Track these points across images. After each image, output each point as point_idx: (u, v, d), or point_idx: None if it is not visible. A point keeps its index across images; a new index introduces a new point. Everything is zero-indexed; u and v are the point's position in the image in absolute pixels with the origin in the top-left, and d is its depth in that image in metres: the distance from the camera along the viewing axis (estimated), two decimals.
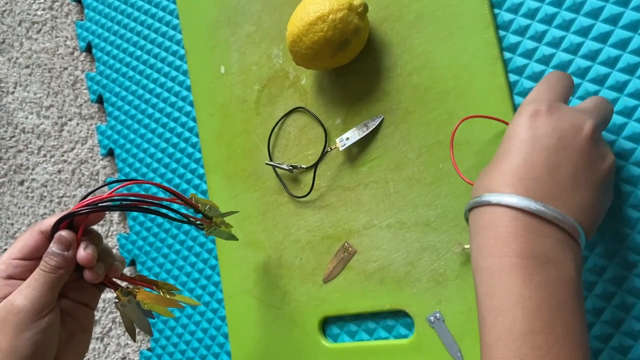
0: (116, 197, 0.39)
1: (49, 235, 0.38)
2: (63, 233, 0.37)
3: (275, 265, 0.54)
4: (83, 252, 0.37)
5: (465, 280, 0.44)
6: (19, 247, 0.37)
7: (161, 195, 0.50)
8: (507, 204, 0.31)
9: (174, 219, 0.42)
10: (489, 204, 0.32)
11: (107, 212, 0.40)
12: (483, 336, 0.31)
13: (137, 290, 0.42)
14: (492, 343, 0.30)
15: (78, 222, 0.39)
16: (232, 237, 0.49)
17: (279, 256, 0.53)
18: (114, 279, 0.41)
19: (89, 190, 0.70)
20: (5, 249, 0.78)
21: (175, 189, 0.44)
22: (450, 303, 0.45)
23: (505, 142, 0.34)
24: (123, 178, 0.55)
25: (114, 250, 0.65)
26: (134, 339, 0.44)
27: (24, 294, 0.35)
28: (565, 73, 0.37)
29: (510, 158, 0.32)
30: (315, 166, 0.51)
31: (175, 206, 0.42)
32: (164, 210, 0.41)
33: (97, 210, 0.37)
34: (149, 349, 0.64)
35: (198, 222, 0.45)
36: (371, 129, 0.48)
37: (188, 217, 0.44)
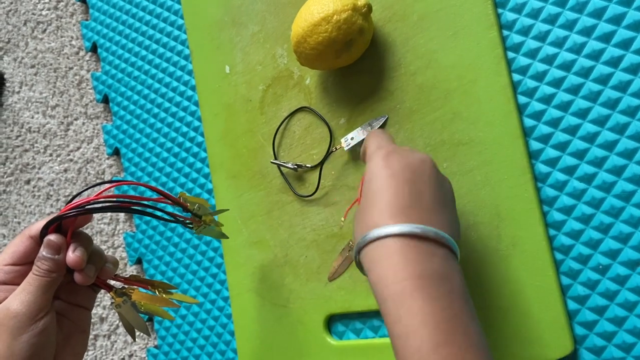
0: (102, 199, 0.38)
1: (38, 240, 0.38)
2: (52, 237, 0.37)
3: (281, 263, 0.54)
4: (72, 255, 0.37)
5: (468, 279, 0.44)
6: (10, 253, 0.38)
7: (149, 194, 0.50)
8: (394, 234, 0.33)
9: (162, 219, 0.42)
10: (377, 238, 0.33)
11: (94, 214, 0.40)
12: None
13: (132, 291, 0.42)
14: None
15: (66, 225, 0.38)
16: (222, 236, 0.49)
17: (284, 255, 0.54)
18: (107, 281, 0.41)
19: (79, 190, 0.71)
20: None
21: (162, 189, 0.44)
22: None
23: (369, 185, 0.36)
24: (119, 179, 0.54)
25: (120, 250, 0.66)
26: (133, 339, 0.44)
27: (19, 298, 0.35)
28: (383, 130, 0.44)
29: (381, 195, 0.35)
30: (320, 165, 0.51)
31: (168, 208, 0.42)
32: (151, 210, 0.41)
33: (83, 212, 0.37)
34: (156, 347, 0.65)
35: (187, 222, 0.45)
36: (375, 128, 0.48)
37: (176, 216, 0.43)
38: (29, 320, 0.34)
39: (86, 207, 0.37)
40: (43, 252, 0.37)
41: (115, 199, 0.39)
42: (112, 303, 0.42)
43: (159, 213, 0.41)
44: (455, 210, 0.38)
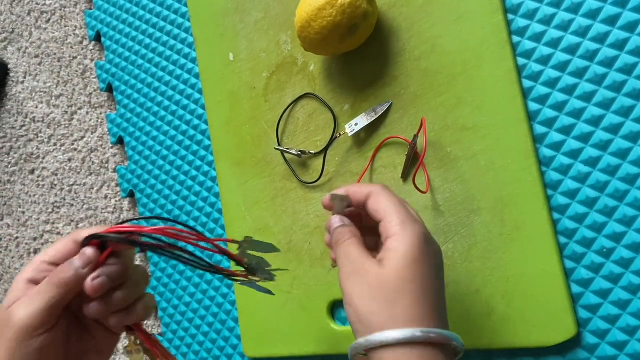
0: (154, 233, 0.34)
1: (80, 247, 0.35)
2: (88, 250, 0.34)
3: (285, 250, 0.54)
4: (90, 282, 0.33)
5: (472, 264, 0.44)
6: (51, 251, 0.35)
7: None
8: (404, 341, 0.30)
9: (203, 269, 0.36)
10: (388, 344, 0.31)
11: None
12: None
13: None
14: None
15: (110, 244, 0.34)
16: (267, 292, 0.40)
17: (288, 241, 0.54)
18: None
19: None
20: (17, 237, 0.79)
21: (219, 243, 0.37)
22: (458, 286, 0.45)
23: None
24: (173, 224, 0.40)
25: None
26: None
27: (24, 306, 0.32)
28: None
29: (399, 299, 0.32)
30: (324, 152, 0.51)
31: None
32: (194, 260, 0.35)
33: (124, 241, 0.33)
34: (160, 334, 0.65)
35: (238, 278, 0.39)
36: (380, 114, 0.48)
37: (221, 270, 0.38)
38: (26, 334, 0.31)
39: (131, 238, 0.33)
40: (74, 259, 0.33)
41: (165, 242, 0.34)
42: (125, 347, 0.37)
43: (200, 262, 0.36)
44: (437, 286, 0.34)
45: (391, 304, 0.32)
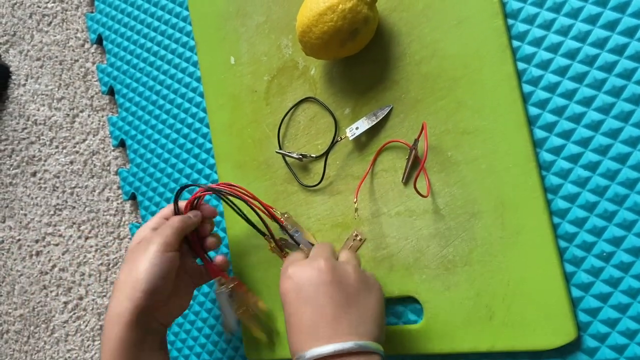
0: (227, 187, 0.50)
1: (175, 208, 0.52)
2: (193, 214, 0.52)
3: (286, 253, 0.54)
4: (193, 217, 0.51)
5: (472, 267, 0.45)
6: (164, 212, 0.51)
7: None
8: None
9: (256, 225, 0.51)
10: None
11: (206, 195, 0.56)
12: None
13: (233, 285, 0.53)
14: None
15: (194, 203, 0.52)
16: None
17: None
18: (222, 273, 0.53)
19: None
20: (19, 239, 0.79)
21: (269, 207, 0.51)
22: (459, 289, 0.45)
23: (284, 306, 0.42)
24: (189, 183, 0.63)
25: (125, 241, 0.67)
26: (227, 331, 0.54)
27: (160, 233, 0.48)
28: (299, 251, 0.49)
29: (289, 322, 0.41)
30: (325, 155, 0.52)
31: None
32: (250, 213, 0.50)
33: (212, 190, 0.50)
34: None
35: (272, 243, 0.51)
36: (380, 118, 0.49)
37: (270, 232, 0.51)
38: (164, 249, 0.46)
39: (217, 189, 0.49)
40: (189, 214, 0.51)
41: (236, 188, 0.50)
42: (218, 285, 0.54)
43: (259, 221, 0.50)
44: (367, 305, 0.40)
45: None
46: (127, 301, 0.44)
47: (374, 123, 0.49)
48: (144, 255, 0.46)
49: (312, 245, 0.51)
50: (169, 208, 0.52)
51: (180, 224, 0.49)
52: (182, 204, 0.52)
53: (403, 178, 0.48)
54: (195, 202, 0.52)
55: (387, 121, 0.49)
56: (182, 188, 0.51)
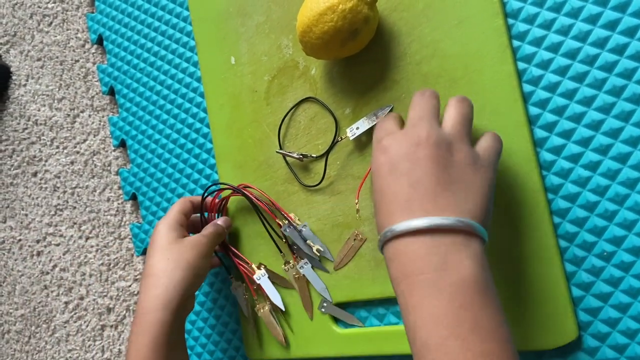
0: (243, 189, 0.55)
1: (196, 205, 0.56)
2: (226, 224, 0.55)
3: (286, 252, 0.55)
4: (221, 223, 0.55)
5: None
6: (183, 207, 0.54)
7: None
8: (397, 234, 0.34)
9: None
10: (385, 240, 0.35)
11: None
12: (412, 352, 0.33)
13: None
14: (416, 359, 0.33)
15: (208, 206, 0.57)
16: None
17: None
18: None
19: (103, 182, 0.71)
20: (20, 239, 0.79)
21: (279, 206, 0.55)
22: None
23: (374, 180, 0.38)
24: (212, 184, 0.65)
25: (126, 241, 0.67)
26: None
27: (206, 233, 0.52)
28: (390, 115, 0.42)
29: (382, 194, 0.36)
30: (326, 155, 0.52)
31: None
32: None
33: (239, 192, 0.55)
34: None
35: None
36: (381, 117, 0.49)
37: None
38: (210, 253, 0.52)
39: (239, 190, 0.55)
40: (219, 222, 0.55)
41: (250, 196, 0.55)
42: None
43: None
44: (476, 179, 0.35)
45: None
46: (173, 290, 0.47)
47: (374, 123, 0.49)
48: (193, 252, 0.50)
49: (318, 238, 0.53)
50: (184, 203, 0.54)
51: (223, 233, 0.54)
52: (194, 198, 0.56)
53: None
54: (222, 204, 0.57)
55: None
56: (209, 187, 0.56)
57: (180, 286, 0.48)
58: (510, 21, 0.44)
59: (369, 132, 0.49)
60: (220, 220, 0.55)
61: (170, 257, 0.49)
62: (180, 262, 0.48)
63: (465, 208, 0.34)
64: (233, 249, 0.57)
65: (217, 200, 0.57)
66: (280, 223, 0.54)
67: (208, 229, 0.53)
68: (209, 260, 0.52)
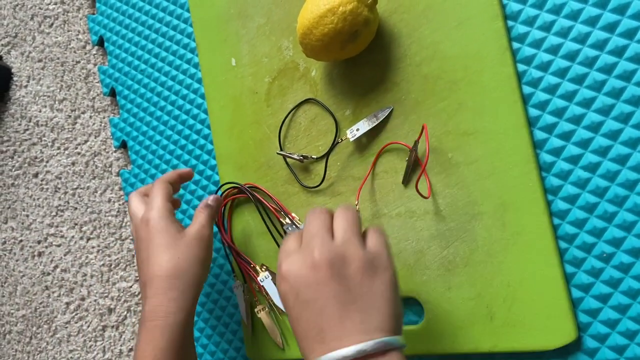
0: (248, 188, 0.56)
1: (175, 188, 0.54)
2: (212, 199, 0.52)
3: None
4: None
5: (474, 268, 0.45)
6: (166, 194, 0.51)
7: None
8: None
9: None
10: None
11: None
12: None
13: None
14: None
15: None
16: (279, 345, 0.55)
17: None
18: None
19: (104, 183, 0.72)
20: (21, 240, 0.79)
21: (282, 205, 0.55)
22: (460, 290, 0.45)
23: (285, 307, 0.39)
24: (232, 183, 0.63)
25: (127, 242, 0.66)
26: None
27: (204, 221, 0.50)
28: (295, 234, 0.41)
29: (296, 324, 0.37)
30: (326, 156, 0.52)
31: None
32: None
33: (245, 191, 0.56)
34: None
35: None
36: (381, 119, 0.49)
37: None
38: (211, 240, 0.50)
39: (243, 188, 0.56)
40: (210, 202, 0.51)
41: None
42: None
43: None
44: (374, 294, 0.35)
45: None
46: (189, 290, 0.46)
47: (374, 124, 0.49)
48: (201, 245, 0.48)
49: None
50: (166, 187, 0.51)
51: (216, 213, 0.52)
52: (169, 177, 0.54)
53: (403, 180, 0.48)
54: (228, 205, 0.58)
55: (388, 123, 0.49)
56: (222, 186, 0.57)
57: (196, 285, 0.46)
58: (510, 23, 0.44)
59: (370, 133, 0.50)
60: (210, 200, 0.52)
61: (179, 255, 0.46)
62: (190, 259, 0.46)
63: (372, 326, 0.34)
64: (236, 249, 0.57)
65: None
66: (283, 222, 0.54)
67: (202, 214, 0.50)
68: (212, 248, 0.50)
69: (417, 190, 0.45)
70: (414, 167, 0.48)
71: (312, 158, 0.53)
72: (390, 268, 0.37)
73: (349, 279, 0.35)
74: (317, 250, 0.36)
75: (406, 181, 0.48)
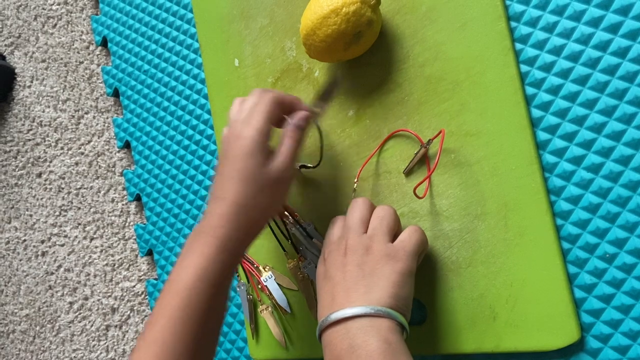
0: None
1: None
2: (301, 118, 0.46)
3: (289, 252, 0.55)
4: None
5: (476, 268, 0.45)
6: (271, 116, 0.45)
7: None
8: (322, 328, 0.41)
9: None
10: (319, 331, 0.42)
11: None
12: None
13: None
14: None
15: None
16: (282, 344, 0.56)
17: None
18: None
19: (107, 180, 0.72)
20: (25, 240, 0.80)
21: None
22: (462, 290, 0.46)
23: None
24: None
25: (131, 241, 0.67)
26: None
27: (292, 161, 0.45)
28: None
29: (318, 296, 0.44)
30: (318, 164, 0.52)
31: None
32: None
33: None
34: (155, 279, 0.65)
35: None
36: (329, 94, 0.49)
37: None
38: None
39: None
40: (300, 120, 0.45)
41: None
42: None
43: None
44: (382, 274, 0.41)
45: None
46: (258, 229, 0.45)
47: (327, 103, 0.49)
48: (285, 189, 0.46)
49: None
50: (274, 108, 0.45)
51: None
52: (283, 98, 0.47)
53: (405, 169, 0.48)
54: None
55: (391, 123, 0.49)
56: None
57: (261, 228, 0.45)
58: (513, 24, 0.44)
59: (370, 134, 0.50)
60: (302, 118, 0.45)
61: (268, 192, 0.43)
62: (274, 199, 0.44)
63: (373, 297, 0.40)
64: None
65: None
66: (286, 222, 0.54)
67: (289, 142, 0.44)
68: (288, 190, 0.46)
69: (415, 193, 0.45)
70: (420, 163, 0.48)
71: (309, 167, 0.53)
72: (406, 261, 0.42)
73: (367, 262, 0.42)
74: (350, 241, 0.43)
75: (407, 171, 0.48)
